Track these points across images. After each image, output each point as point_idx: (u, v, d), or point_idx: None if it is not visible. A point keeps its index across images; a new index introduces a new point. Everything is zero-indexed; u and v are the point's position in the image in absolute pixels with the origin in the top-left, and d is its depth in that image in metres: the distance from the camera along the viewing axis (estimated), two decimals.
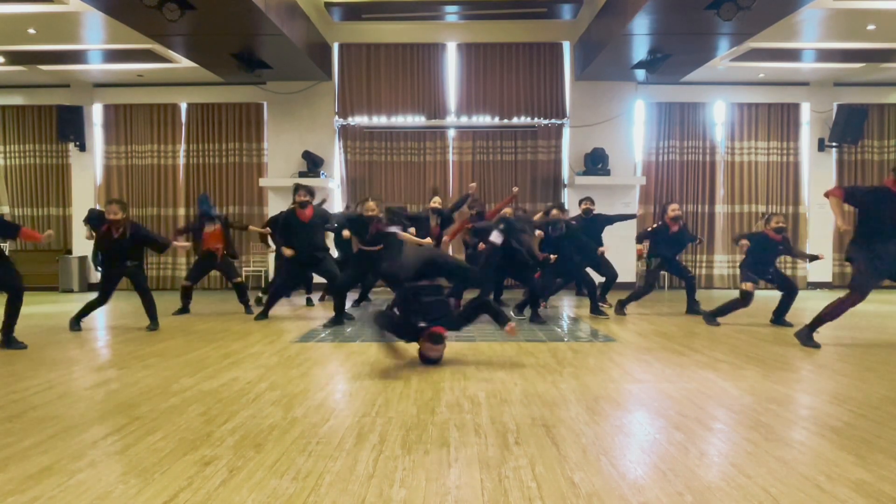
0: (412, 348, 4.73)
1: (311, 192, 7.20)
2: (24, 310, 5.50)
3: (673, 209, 7.62)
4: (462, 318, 4.85)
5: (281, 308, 8.17)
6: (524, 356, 4.91)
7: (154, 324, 6.50)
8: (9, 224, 6.33)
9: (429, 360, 4.56)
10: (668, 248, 7.65)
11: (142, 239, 6.54)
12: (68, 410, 3.40)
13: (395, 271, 5.05)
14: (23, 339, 5.45)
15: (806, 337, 5.33)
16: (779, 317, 6.69)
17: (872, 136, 11.65)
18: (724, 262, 11.67)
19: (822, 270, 11.62)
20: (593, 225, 8.44)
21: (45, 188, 12.02)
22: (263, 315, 7.26)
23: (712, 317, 6.75)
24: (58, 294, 11.04)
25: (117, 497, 2.25)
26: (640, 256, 8.12)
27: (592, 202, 8.65)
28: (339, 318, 6.67)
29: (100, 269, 6.92)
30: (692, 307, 7.68)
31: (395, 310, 4.92)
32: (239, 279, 8.01)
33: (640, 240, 8.23)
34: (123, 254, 6.43)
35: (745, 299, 6.48)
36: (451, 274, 5.20)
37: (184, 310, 7.81)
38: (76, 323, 6.47)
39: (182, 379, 4.15)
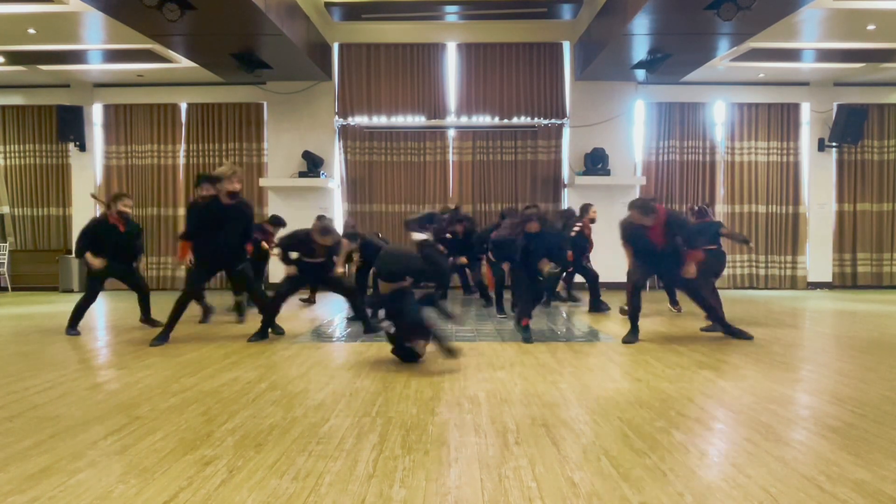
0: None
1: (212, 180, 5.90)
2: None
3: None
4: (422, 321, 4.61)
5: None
6: (524, 356, 4.90)
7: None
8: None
9: (411, 358, 4.56)
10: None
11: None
12: (68, 410, 3.40)
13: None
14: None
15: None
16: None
17: (872, 136, 11.64)
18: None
19: (822, 270, 11.63)
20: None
21: (45, 188, 12.02)
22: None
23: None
24: (58, 294, 11.04)
25: (117, 497, 2.25)
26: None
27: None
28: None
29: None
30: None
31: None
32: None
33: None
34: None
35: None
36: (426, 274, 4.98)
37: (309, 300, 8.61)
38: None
39: (182, 379, 4.15)
